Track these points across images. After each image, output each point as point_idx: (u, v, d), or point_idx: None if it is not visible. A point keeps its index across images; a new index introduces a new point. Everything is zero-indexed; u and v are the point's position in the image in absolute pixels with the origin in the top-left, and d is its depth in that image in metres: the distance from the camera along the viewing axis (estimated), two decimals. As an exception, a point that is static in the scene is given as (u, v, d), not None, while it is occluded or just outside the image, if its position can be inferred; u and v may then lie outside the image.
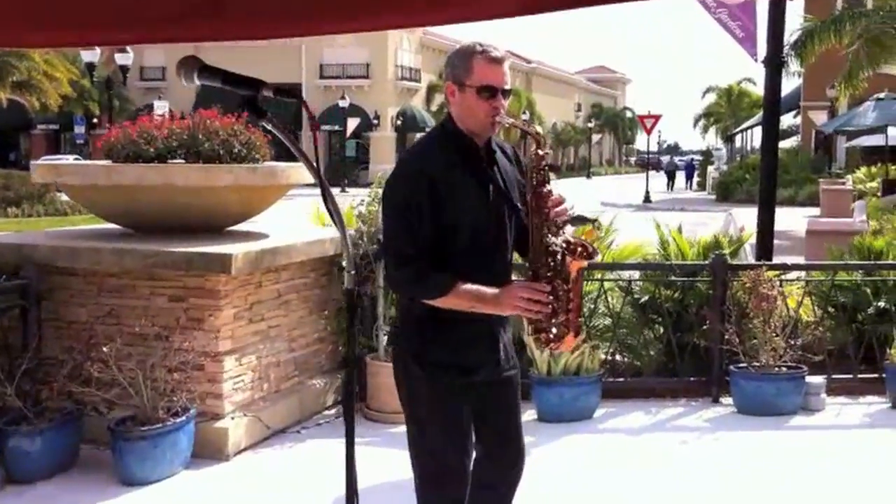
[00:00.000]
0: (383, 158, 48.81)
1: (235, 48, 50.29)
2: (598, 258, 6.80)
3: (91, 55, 25.94)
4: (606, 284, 6.76)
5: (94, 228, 6.39)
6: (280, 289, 5.80)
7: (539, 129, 3.15)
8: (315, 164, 2.09)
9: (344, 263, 4.07)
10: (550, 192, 2.89)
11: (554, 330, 2.88)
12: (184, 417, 4.90)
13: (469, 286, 2.83)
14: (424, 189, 2.84)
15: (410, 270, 2.86)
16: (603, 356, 6.51)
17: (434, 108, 52.95)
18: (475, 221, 2.90)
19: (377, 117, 48.56)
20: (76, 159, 38.76)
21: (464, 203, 2.88)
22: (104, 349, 4.69)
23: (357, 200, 6.45)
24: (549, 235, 2.86)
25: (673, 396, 6.58)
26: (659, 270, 6.84)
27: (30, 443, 4.75)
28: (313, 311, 6.19)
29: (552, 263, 2.85)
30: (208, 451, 5.16)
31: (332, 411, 6.17)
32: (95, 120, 43.02)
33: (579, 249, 2.83)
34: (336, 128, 45.52)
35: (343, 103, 42.87)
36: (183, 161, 5.79)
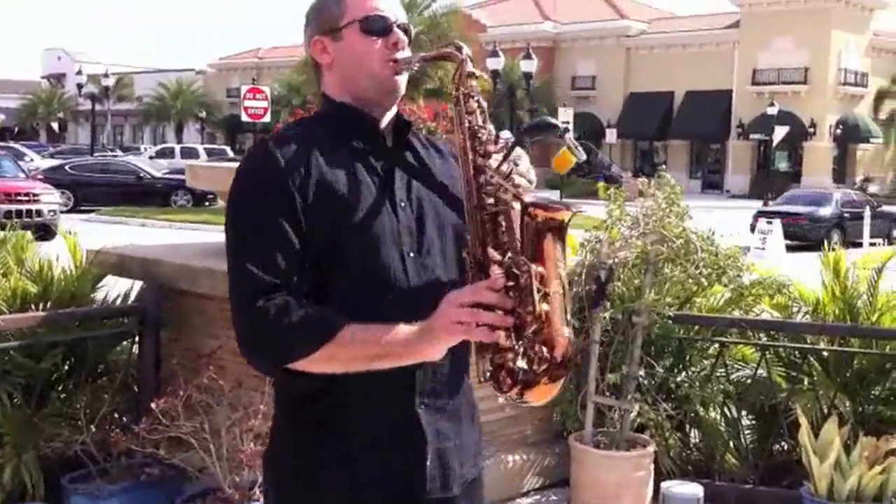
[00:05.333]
0: (818, 171, 44.33)
1: (657, 56, 49.18)
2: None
3: (496, 62, 26.06)
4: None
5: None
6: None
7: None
8: None
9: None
10: (484, 125, 1.77)
11: (520, 362, 1.57)
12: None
13: (364, 327, 1.66)
14: (287, 193, 1.73)
15: (260, 314, 1.69)
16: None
17: (883, 116, 47.04)
18: (375, 241, 1.75)
19: (813, 126, 44.04)
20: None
21: (353, 213, 1.75)
22: (154, 403, 3.66)
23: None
24: (493, 175, 1.69)
25: None
26: None
27: (90, 505, 3.89)
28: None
29: (501, 223, 1.67)
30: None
31: (530, 500, 4.68)
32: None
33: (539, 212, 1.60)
34: (762, 136, 42.25)
35: (771, 110, 39.40)
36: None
